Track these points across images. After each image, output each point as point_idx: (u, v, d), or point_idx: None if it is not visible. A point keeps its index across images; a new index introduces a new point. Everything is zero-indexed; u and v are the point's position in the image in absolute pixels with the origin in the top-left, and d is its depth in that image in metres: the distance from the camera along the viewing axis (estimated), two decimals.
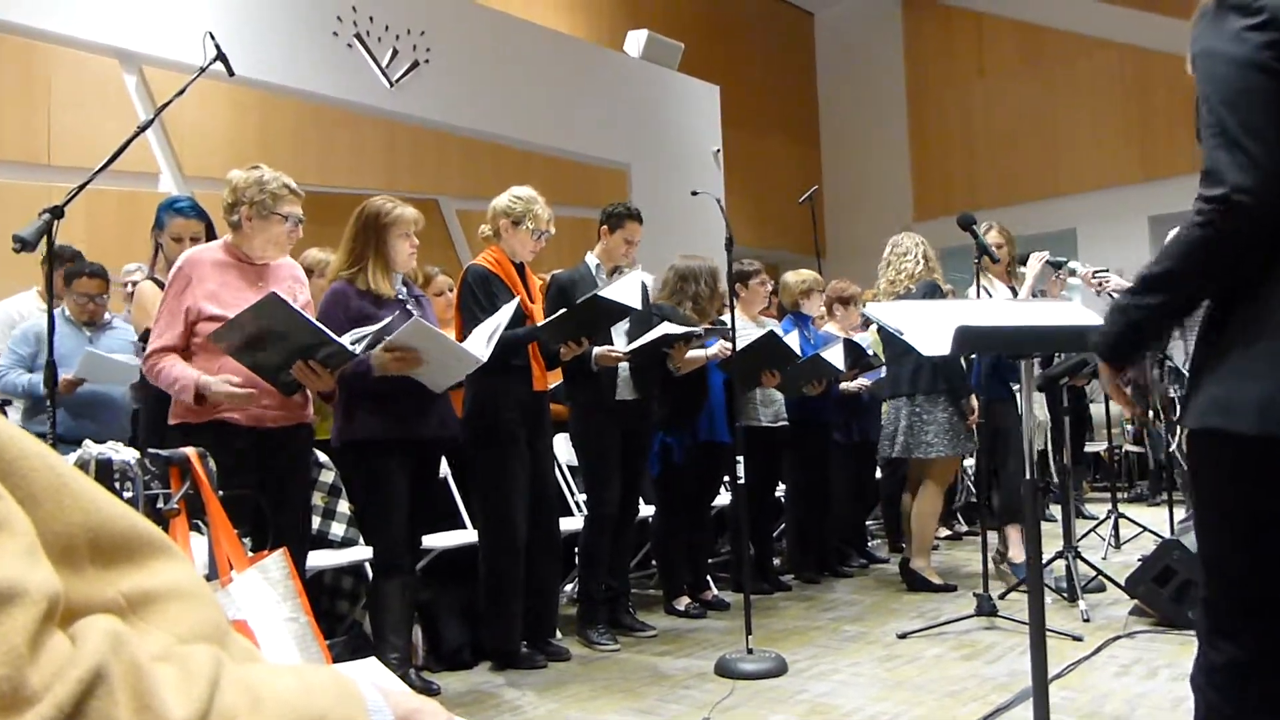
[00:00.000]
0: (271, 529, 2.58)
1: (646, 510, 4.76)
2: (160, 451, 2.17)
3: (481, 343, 3.30)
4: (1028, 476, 2.24)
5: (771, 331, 4.44)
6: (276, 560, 2.17)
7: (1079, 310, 2.27)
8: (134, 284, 4.51)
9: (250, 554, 2.36)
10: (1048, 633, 3.60)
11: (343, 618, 3.97)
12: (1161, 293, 1.45)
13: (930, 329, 2.20)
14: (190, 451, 2.12)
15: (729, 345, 4.22)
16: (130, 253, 5.49)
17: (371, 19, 7.40)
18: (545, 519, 3.91)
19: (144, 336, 3.76)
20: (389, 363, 3.15)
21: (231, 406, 2.94)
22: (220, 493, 2.21)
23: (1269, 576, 1.43)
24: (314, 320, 2.97)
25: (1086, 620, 4.01)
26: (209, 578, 2.19)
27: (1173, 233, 1.47)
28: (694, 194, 4.23)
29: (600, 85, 9.20)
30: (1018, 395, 4.58)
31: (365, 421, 3.29)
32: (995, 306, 2.28)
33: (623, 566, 4.39)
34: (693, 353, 4.35)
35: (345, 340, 2.99)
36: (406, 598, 3.42)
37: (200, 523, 2.29)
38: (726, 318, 4.27)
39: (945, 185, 12.63)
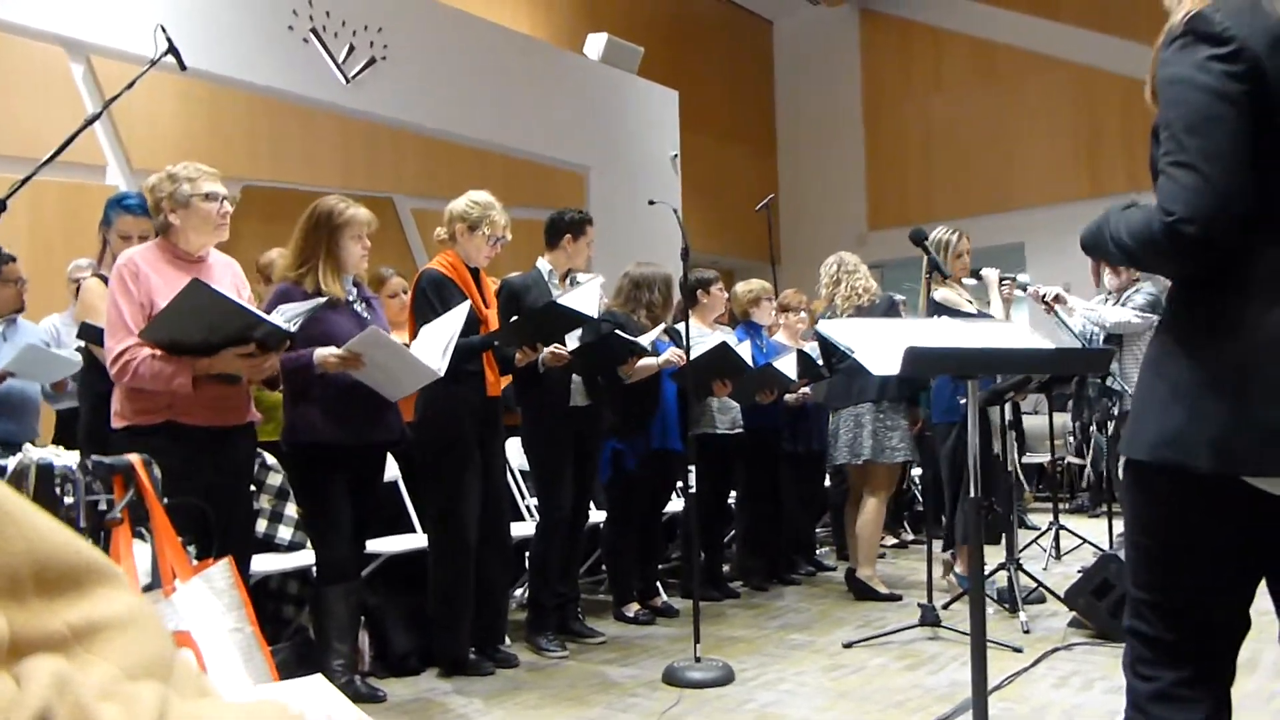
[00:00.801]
0: (217, 535, 2.55)
1: (597, 516, 4.77)
2: (104, 459, 2.13)
3: (437, 354, 3.28)
4: (972, 494, 2.27)
5: (724, 342, 4.47)
6: (221, 569, 2.15)
7: (1025, 332, 2.32)
8: (82, 280, 4.41)
9: (195, 562, 2.33)
10: (988, 644, 3.68)
11: (288, 622, 3.93)
12: (1127, 257, 1.47)
13: (880, 349, 2.23)
14: (134, 458, 2.09)
15: (680, 353, 4.25)
16: (75, 246, 5.37)
17: (328, 13, 7.31)
18: (495, 525, 3.90)
19: (82, 332, 3.68)
20: (331, 360, 3.12)
21: (182, 406, 2.88)
22: (165, 500, 2.17)
23: (1206, 608, 1.46)
24: (240, 301, 2.92)
25: (1027, 632, 4.09)
26: (152, 586, 2.16)
27: (1141, 209, 1.44)
28: (651, 203, 4.24)
29: (559, 87, 9.18)
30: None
31: (312, 425, 3.26)
32: (944, 327, 2.32)
33: (572, 573, 4.39)
34: (644, 361, 4.37)
35: (276, 318, 2.95)
36: (352, 603, 3.40)
37: (144, 530, 2.25)
38: (681, 326, 4.31)
39: (900, 196, 12.79)
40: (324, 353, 3.13)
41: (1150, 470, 1.42)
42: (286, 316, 2.91)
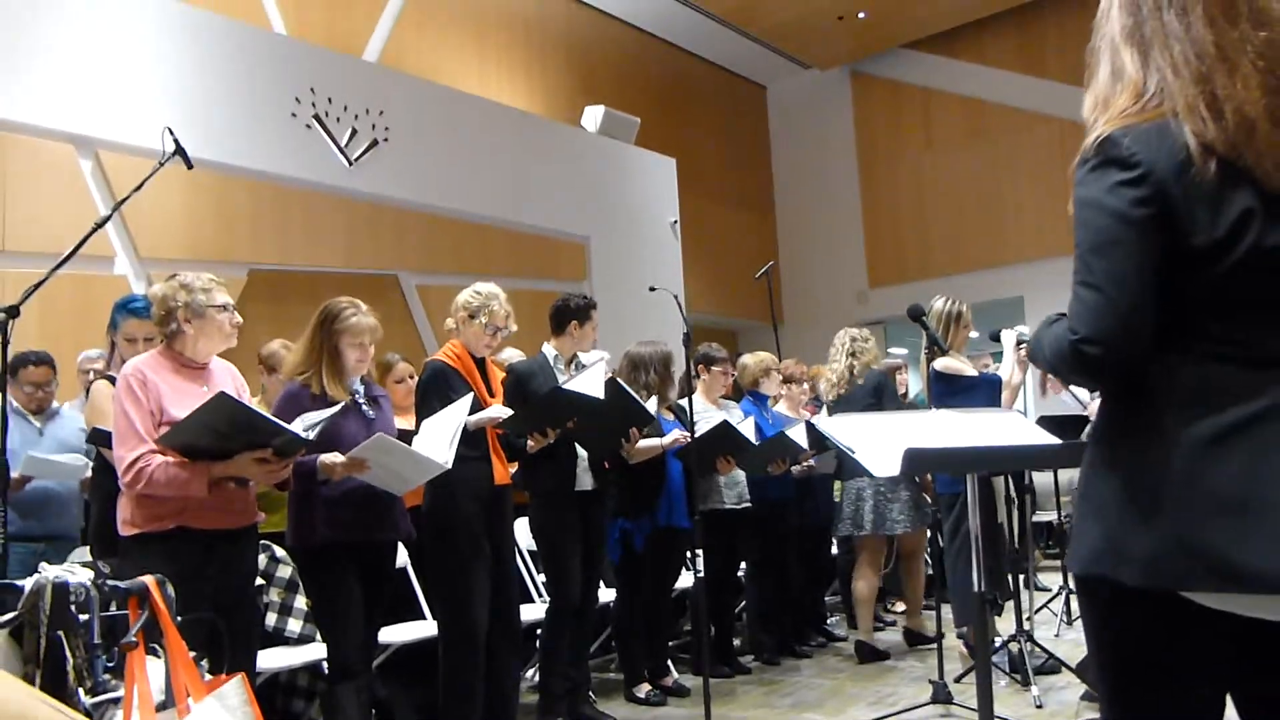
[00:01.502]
0: (228, 650, 2.57)
1: (607, 594, 4.77)
2: (120, 583, 2.16)
3: (444, 446, 3.31)
4: (975, 588, 2.30)
5: (725, 421, 4.51)
6: (235, 687, 2.17)
7: (1025, 427, 2.36)
8: (95, 372, 4.47)
9: (207, 676, 2.35)
10: None
11: (298, 716, 3.92)
12: (1052, 371, 1.52)
13: (880, 449, 2.27)
14: (150, 580, 2.12)
15: (685, 434, 4.29)
16: (85, 336, 5.45)
17: (330, 99, 7.48)
18: (505, 612, 3.90)
19: (92, 437, 3.73)
20: (336, 468, 3.15)
21: (192, 511, 2.92)
22: (179, 619, 2.20)
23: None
24: (263, 412, 2.98)
25: (1039, 706, 4.07)
26: (166, 705, 2.18)
27: (1061, 325, 1.47)
28: (652, 289, 4.30)
29: (558, 160, 9.34)
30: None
31: (318, 527, 3.28)
32: (943, 421, 2.36)
33: (582, 656, 4.39)
34: (646, 442, 4.41)
35: (296, 427, 2.99)
36: (363, 700, 3.39)
37: (158, 646, 2.28)
38: (685, 402, 4.36)
39: (898, 253, 12.91)
40: (329, 460, 3.16)
41: (1091, 583, 1.43)
42: (306, 424, 2.96)
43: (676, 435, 4.44)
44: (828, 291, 13.31)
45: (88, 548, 4.16)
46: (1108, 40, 1.50)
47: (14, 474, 4.06)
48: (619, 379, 4.25)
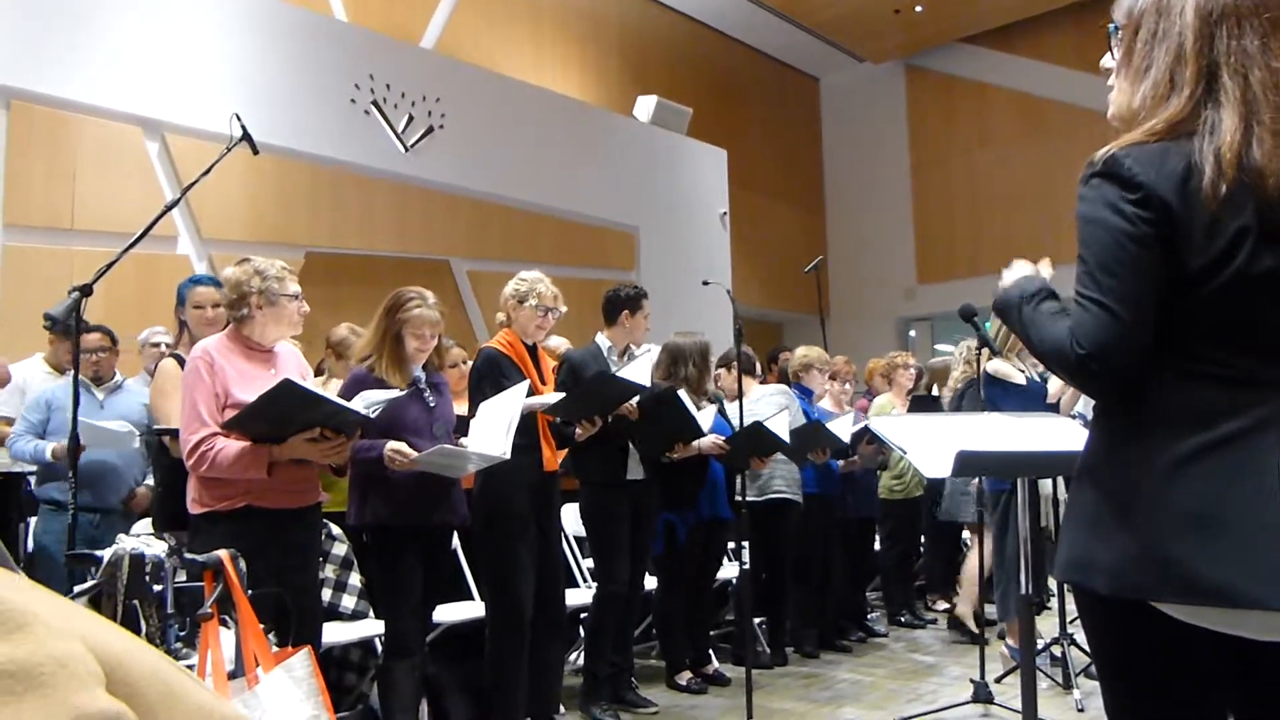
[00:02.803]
0: (295, 624, 2.66)
1: (651, 582, 4.84)
2: (196, 557, 2.26)
3: (500, 435, 3.38)
4: (1021, 590, 2.32)
5: (757, 422, 4.47)
6: (301, 659, 2.25)
7: (1075, 432, 2.38)
8: (164, 345, 4.60)
9: (274, 648, 2.44)
10: None
11: (350, 689, 4.03)
12: (1030, 349, 1.55)
13: (931, 450, 2.30)
14: (223, 554, 2.22)
15: (719, 442, 4.37)
16: (149, 315, 5.60)
17: (388, 86, 7.60)
18: (551, 597, 3.98)
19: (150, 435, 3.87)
20: (400, 463, 3.25)
21: (259, 491, 3.02)
22: (250, 592, 2.30)
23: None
24: (326, 394, 3.07)
25: (1081, 710, 4.07)
26: (236, 673, 2.28)
27: (1062, 320, 1.48)
28: (705, 283, 4.34)
29: (609, 149, 9.40)
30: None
31: (379, 508, 3.38)
32: (994, 426, 2.38)
33: (626, 642, 4.46)
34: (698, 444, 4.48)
35: (358, 404, 3.09)
36: (416, 679, 3.49)
37: (228, 617, 2.38)
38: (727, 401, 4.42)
39: (949, 250, 12.82)
40: (394, 450, 3.25)
41: (1078, 591, 1.47)
42: (367, 403, 3.04)
43: (714, 440, 4.47)
44: (876, 286, 13.25)
45: (145, 521, 4.30)
46: (1174, 43, 1.46)
47: (64, 441, 4.22)
48: (679, 393, 4.30)
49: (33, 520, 4.51)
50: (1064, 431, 2.42)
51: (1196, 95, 1.42)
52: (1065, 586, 4.67)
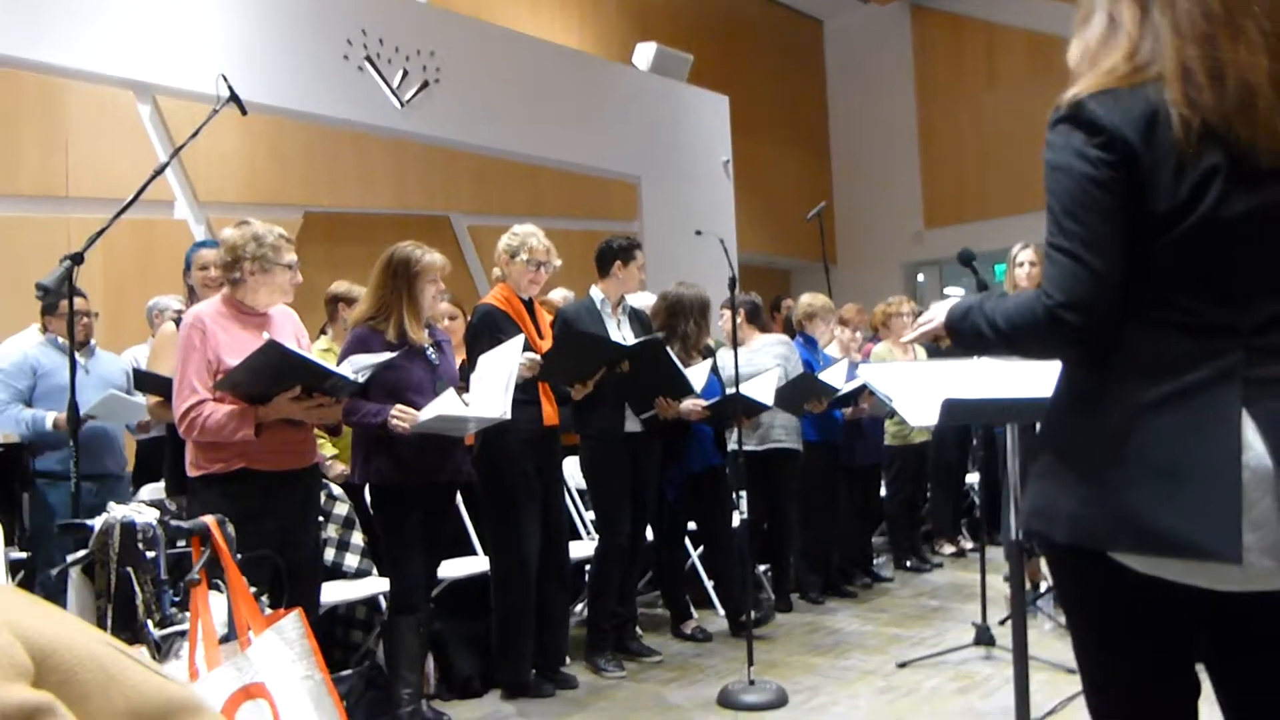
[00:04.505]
0: (288, 584, 2.69)
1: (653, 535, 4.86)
2: (182, 523, 2.27)
3: (499, 394, 3.37)
4: (1012, 536, 2.31)
5: (737, 391, 4.40)
6: (292, 620, 2.28)
7: None
8: (175, 313, 4.60)
9: (267, 611, 2.47)
10: (1044, 665, 3.70)
11: (357, 647, 4.08)
12: (1001, 346, 1.51)
13: (918, 398, 2.28)
14: (210, 520, 2.23)
15: (701, 406, 4.35)
16: (148, 279, 5.62)
17: (381, 41, 7.49)
18: (555, 551, 4.01)
19: (138, 381, 3.88)
20: (402, 428, 3.25)
21: (253, 453, 3.03)
22: (239, 556, 2.31)
23: (1112, 675, 1.48)
24: (311, 357, 3.07)
25: None
26: (229, 637, 2.30)
27: (1017, 296, 1.46)
28: (698, 233, 4.30)
29: (609, 99, 9.28)
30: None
31: (383, 467, 3.39)
32: (983, 372, 2.36)
33: (629, 593, 4.49)
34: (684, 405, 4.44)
35: (345, 369, 3.10)
36: (422, 635, 3.53)
37: (219, 582, 2.39)
38: (717, 351, 4.39)
39: (956, 193, 12.67)
40: (398, 417, 3.25)
41: (1040, 540, 1.45)
42: (355, 368, 3.05)
43: (693, 406, 4.40)
44: (883, 232, 13.13)
45: (155, 485, 4.33)
46: None
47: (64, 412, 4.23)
48: (671, 350, 4.26)
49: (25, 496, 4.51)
50: (1052, 376, 2.39)
51: (1135, 34, 1.39)
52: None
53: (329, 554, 4.05)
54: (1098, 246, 1.35)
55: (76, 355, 4.50)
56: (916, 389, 2.32)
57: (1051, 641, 4.18)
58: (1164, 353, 1.36)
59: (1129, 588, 1.38)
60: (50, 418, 4.28)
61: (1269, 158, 1.31)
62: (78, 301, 4.62)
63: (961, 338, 1.56)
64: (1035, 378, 2.45)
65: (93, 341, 4.69)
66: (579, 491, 5.06)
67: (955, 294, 11.79)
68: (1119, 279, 1.36)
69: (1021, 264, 4.73)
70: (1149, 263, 1.37)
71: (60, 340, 4.50)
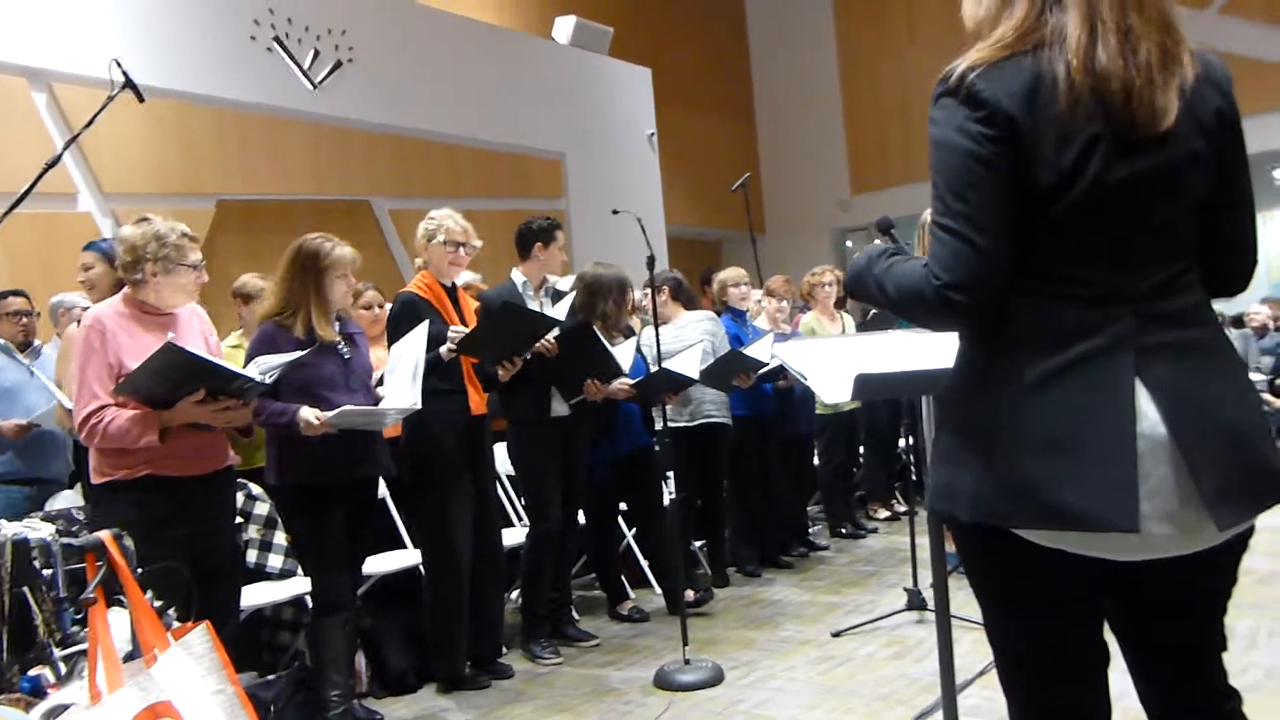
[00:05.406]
0: (198, 594, 2.59)
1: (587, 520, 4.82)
2: (74, 541, 2.17)
3: (407, 385, 3.30)
4: (928, 505, 2.31)
5: (663, 369, 4.36)
6: (199, 635, 2.19)
7: None
8: (80, 309, 4.44)
9: (176, 624, 2.37)
10: (973, 626, 3.74)
11: (284, 649, 3.99)
12: (891, 307, 1.50)
13: (831, 374, 2.26)
14: (105, 535, 2.12)
15: (629, 386, 4.32)
16: (53, 276, 5.38)
17: (290, 20, 7.26)
18: (487, 540, 3.95)
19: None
20: (314, 426, 3.15)
21: (159, 458, 2.92)
22: (139, 571, 2.21)
23: (1022, 648, 1.49)
24: (213, 359, 2.96)
25: None
26: (133, 655, 2.21)
27: (911, 263, 1.45)
28: (615, 212, 4.23)
29: (529, 75, 9.13)
30: None
31: (298, 466, 3.29)
32: (898, 344, 2.35)
33: (563, 578, 4.45)
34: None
35: (252, 370, 2.99)
36: (349, 633, 3.45)
37: (122, 598, 2.30)
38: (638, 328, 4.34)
39: (882, 158, 12.76)
40: (307, 416, 3.15)
41: (945, 519, 1.46)
42: (262, 369, 2.94)
43: (621, 386, 4.35)
44: (810, 199, 13.19)
45: (73, 490, 4.18)
46: None
47: (21, 421, 4.08)
48: (596, 329, 4.20)
49: None
50: None
51: (1040, 4, 1.36)
52: None
53: (251, 555, 3.95)
54: (983, 225, 1.33)
55: (21, 357, 4.38)
56: (829, 365, 2.29)
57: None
58: (1054, 324, 1.35)
59: (1033, 562, 1.38)
60: None
61: (1148, 128, 1.31)
62: (18, 301, 4.52)
63: (861, 299, 1.59)
64: (949, 349, 2.46)
65: (37, 341, 4.54)
66: (509, 478, 5.00)
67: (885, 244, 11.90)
68: (1006, 256, 1.35)
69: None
70: (1036, 235, 1.35)
71: (2, 341, 4.40)
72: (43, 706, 2.09)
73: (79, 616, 2.38)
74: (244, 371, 2.90)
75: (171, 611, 2.40)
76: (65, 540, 2.25)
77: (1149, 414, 1.31)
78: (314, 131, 7.41)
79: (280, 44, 7.20)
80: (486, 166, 8.69)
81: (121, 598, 2.30)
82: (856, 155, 13.13)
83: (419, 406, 3.31)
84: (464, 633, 3.85)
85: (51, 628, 2.32)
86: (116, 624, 2.21)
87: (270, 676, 3.64)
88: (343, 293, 3.42)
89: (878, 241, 1.67)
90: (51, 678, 2.31)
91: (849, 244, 13.62)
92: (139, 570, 2.24)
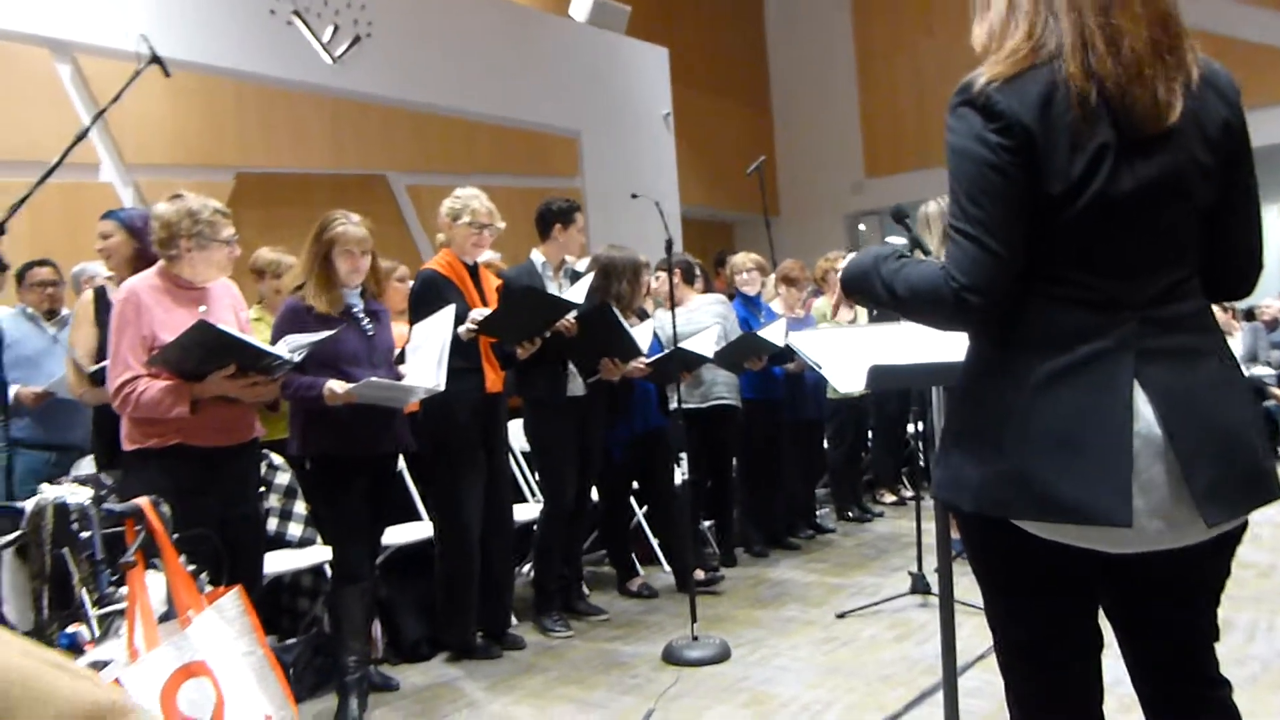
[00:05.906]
0: (227, 562, 2.68)
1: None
2: (114, 507, 2.25)
3: (432, 367, 3.37)
4: (935, 490, 2.37)
5: (678, 347, 4.39)
6: (232, 599, 2.28)
7: None
8: (104, 277, 4.51)
9: (209, 588, 2.47)
10: (974, 610, 3.82)
11: (303, 615, 4.08)
12: (898, 307, 1.55)
13: (845, 364, 2.33)
14: (144, 502, 2.21)
15: (645, 366, 4.38)
16: (76, 246, 5.45)
17: None
18: (499, 515, 4.04)
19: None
20: (339, 397, 3.23)
21: (190, 429, 2.99)
22: (175, 536, 2.30)
23: (1021, 633, 1.56)
24: (244, 337, 3.03)
25: None
26: (169, 615, 2.30)
27: (923, 265, 1.50)
28: (634, 196, 4.29)
29: (547, 52, 9.15)
30: None
31: (321, 438, 3.36)
32: (911, 335, 2.41)
33: (574, 555, 4.54)
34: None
35: (281, 349, 3.07)
36: (367, 603, 3.53)
37: (158, 562, 2.39)
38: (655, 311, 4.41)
39: (896, 144, 12.75)
40: (334, 387, 3.23)
41: (950, 509, 1.54)
42: (291, 347, 3.01)
43: (637, 366, 4.43)
44: (825, 183, 13.19)
45: (92, 458, 4.27)
46: None
47: (36, 389, 4.16)
48: (616, 311, 4.27)
49: None
50: None
51: (1033, 11, 1.42)
52: None
53: (272, 524, 4.04)
54: (999, 230, 1.40)
55: (47, 325, 4.48)
56: (844, 355, 2.36)
57: None
58: (1062, 327, 1.42)
59: (1033, 552, 1.46)
60: (13, 391, 4.19)
61: (1151, 124, 1.37)
62: (45, 271, 4.59)
63: (857, 298, 1.65)
64: (961, 342, 2.52)
65: (64, 310, 4.61)
66: (524, 454, 5.08)
67: (896, 243, 11.93)
68: (1019, 261, 1.41)
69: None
70: (1047, 240, 1.42)
71: (29, 310, 4.48)
72: (82, 661, 2.18)
73: (114, 577, 2.47)
74: (273, 350, 2.97)
75: (204, 576, 2.49)
76: (107, 505, 2.33)
77: (1145, 415, 1.38)
78: (332, 106, 7.46)
79: (300, 17, 7.23)
80: (503, 143, 8.72)
81: (156, 561, 2.39)
82: (871, 139, 13.13)
83: (442, 388, 3.37)
84: (473, 603, 3.94)
85: (90, 588, 2.41)
86: (153, 586, 2.31)
87: (289, 641, 3.75)
88: (347, 270, 3.41)
89: (890, 240, 1.73)
90: (87, 635, 2.40)
91: (862, 227, 13.64)
92: (174, 536, 2.33)
